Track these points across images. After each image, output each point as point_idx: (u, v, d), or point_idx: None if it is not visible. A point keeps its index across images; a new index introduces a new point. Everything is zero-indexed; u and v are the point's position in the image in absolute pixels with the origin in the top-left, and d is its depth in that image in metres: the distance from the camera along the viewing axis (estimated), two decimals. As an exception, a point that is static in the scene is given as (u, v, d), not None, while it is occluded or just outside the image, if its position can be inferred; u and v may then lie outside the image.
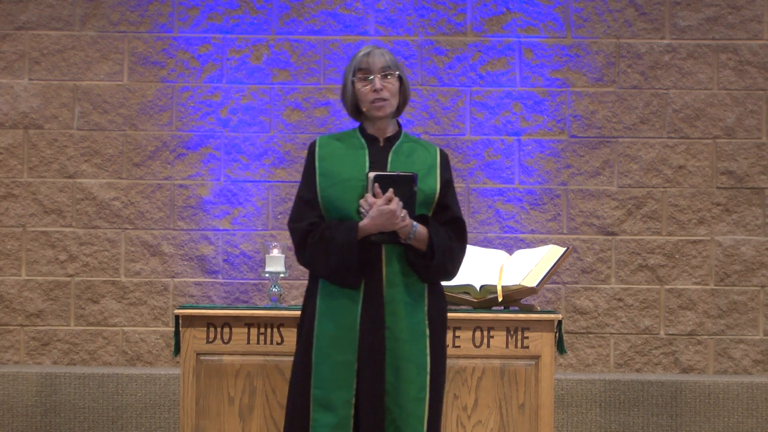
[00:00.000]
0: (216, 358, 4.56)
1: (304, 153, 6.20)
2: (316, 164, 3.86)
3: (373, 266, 3.75)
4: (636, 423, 5.82)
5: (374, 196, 3.70)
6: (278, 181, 6.22)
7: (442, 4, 6.24)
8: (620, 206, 6.21)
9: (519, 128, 6.21)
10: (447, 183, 3.86)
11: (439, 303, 3.84)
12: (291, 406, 3.83)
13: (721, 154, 6.22)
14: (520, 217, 6.20)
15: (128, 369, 6.00)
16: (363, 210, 3.72)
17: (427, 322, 3.79)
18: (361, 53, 3.83)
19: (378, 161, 3.83)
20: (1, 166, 6.22)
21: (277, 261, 4.77)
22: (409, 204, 3.72)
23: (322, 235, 3.76)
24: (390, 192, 3.69)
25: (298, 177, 6.20)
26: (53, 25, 6.24)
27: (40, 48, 6.24)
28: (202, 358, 4.55)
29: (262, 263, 4.86)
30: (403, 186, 3.71)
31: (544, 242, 6.13)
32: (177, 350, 4.62)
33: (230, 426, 4.54)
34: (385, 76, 3.81)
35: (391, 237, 3.73)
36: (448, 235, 3.80)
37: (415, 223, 3.73)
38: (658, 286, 6.21)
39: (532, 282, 4.58)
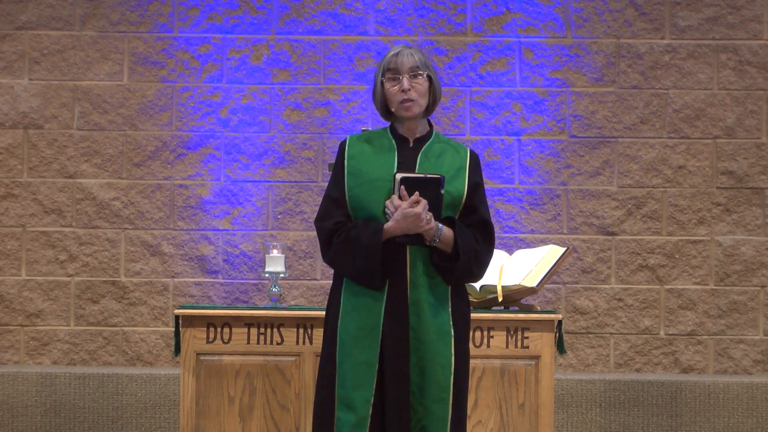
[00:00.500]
0: (216, 358, 4.56)
1: (305, 153, 6.24)
2: (345, 163, 3.85)
3: (397, 268, 3.74)
4: (636, 423, 5.82)
5: (400, 198, 3.69)
6: (278, 181, 6.22)
7: (442, 4, 6.24)
8: (620, 206, 6.21)
9: (519, 128, 6.21)
10: (475, 185, 3.84)
11: (463, 304, 3.83)
12: (318, 404, 3.84)
13: (721, 154, 6.22)
14: (520, 217, 6.20)
15: (128, 369, 6.00)
16: (388, 212, 3.71)
17: (451, 322, 3.78)
18: (391, 53, 3.82)
19: (406, 162, 3.81)
20: (1, 166, 6.22)
21: (277, 261, 4.77)
22: (435, 206, 3.70)
23: (348, 235, 3.75)
24: (416, 195, 3.68)
25: (299, 177, 6.23)
26: (53, 25, 6.24)
27: (40, 48, 6.24)
28: (202, 358, 4.55)
29: (262, 263, 4.86)
30: (430, 188, 3.69)
31: (544, 242, 6.13)
32: (177, 350, 4.62)
33: (230, 426, 4.54)
34: (413, 76, 3.80)
35: (417, 239, 3.72)
36: (475, 238, 3.79)
37: (440, 225, 3.72)
38: (658, 286, 6.21)
39: (532, 282, 4.58)
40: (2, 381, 5.81)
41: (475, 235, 3.80)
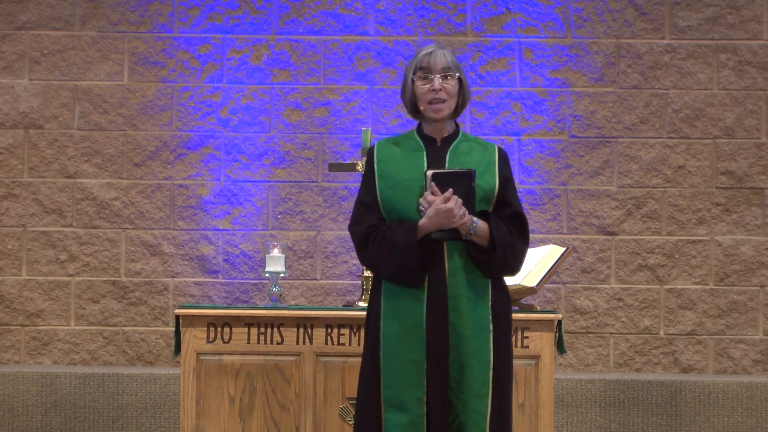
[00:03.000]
0: (216, 358, 4.57)
1: (305, 153, 6.24)
2: (375, 167, 3.86)
3: (435, 264, 3.74)
4: (636, 423, 5.82)
5: (432, 194, 3.70)
6: (278, 181, 6.23)
7: (442, 4, 6.24)
8: (620, 206, 6.22)
9: (519, 128, 6.21)
10: (506, 180, 3.85)
11: (503, 299, 3.83)
12: (361, 407, 3.83)
13: (721, 154, 6.22)
14: (520, 217, 6.20)
15: (128, 369, 6.00)
16: (422, 209, 3.72)
17: (490, 317, 3.78)
18: (423, 52, 3.83)
19: (435, 161, 3.82)
20: (2, 166, 6.22)
21: (277, 261, 4.78)
22: (468, 200, 3.70)
23: (383, 236, 3.75)
24: (449, 192, 3.68)
25: (299, 177, 6.23)
26: (53, 25, 6.24)
27: (40, 48, 6.24)
28: (202, 357, 4.55)
29: (262, 263, 4.86)
30: (462, 182, 3.70)
31: (544, 242, 6.13)
32: (177, 350, 4.63)
33: (230, 426, 4.54)
34: (445, 77, 3.81)
35: (452, 234, 3.72)
36: (509, 230, 3.79)
37: (475, 218, 3.72)
38: (657, 286, 6.21)
39: (532, 282, 4.58)
40: (2, 381, 5.81)
41: (510, 227, 3.80)
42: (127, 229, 6.22)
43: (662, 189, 6.23)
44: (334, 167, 5.33)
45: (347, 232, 6.17)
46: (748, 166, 6.22)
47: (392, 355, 3.76)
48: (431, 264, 3.73)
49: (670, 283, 6.21)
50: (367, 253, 3.80)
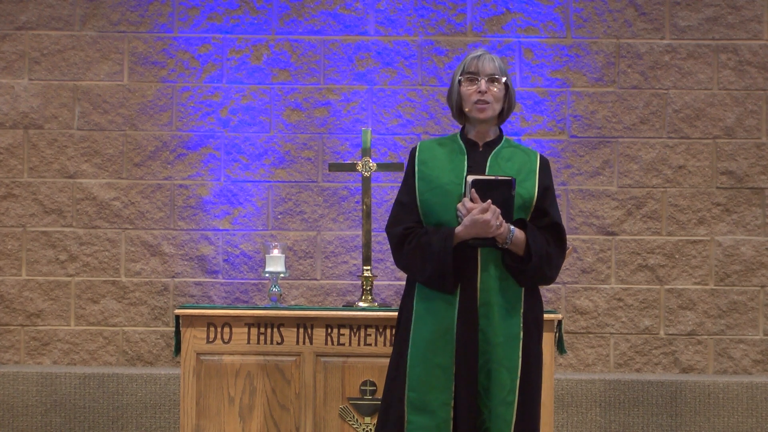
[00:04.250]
0: (216, 358, 4.57)
1: (305, 153, 6.24)
2: (416, 168, 3.86)
3: (469, 271, 3.75)
4: (636, 423, 5.82)
5: (471, 200, 3.69)
6: (278, 181, 6.22)
7: (442, 4, 6.24)
8: (620, 206, 6.21)
9: (519, 128, 6.21)
10: (546, 188, 3.86)
11: (536, 308, 3.83)
12: (384, 407, 3.83)
13: (721, 154, 6.22)
14: (520, 217, 6.20)
15: (128, 369, 6.00)
16: (460, 215, 3.71)
17: (522, 325, 3.78)
18: (471, 56, 3.85)
19: (476, 165, 3.82)
20: (1, 166, 6.22)
21: (277, 261, 4.78)
22: (507, 208, 3.70)
23: (419, 241, 3.76)
24: (488, 203, 3.67)
25: (299, 177, 6.23)
26: (53, 25, 6.24)
27: (40, 48, 6.24)
28: (202, 358, 4.56)
29: (262, 263, 4.87)
30: (501, 190, 3.69)
31: (544, 242, 6.13)
32: (177, 350, 4.63)
33: (230, 426, 4.54)
34: (491, 81, 3.82)
35: (489, 241, 3.72)
36: (546, 240, 3.79)
37: (512, 227, 3.72)
38: (658, 286, 6.21)
39: (532, 282, 4.58)
40: (2, 381, 5.81)
41: (547, 237, 3.80)
42: (127, 229, 6.22)
43: (662, 189, 6.23)
44: (334, 167, 5.34)
45: (347, 233, 6.18)
46: (749, 166, 6.21)
47: (420, 358, 3.76)
48: (465, 271, 3.74)
49: (671, 284, 6.21)
50: (402, 257, 3.81)
